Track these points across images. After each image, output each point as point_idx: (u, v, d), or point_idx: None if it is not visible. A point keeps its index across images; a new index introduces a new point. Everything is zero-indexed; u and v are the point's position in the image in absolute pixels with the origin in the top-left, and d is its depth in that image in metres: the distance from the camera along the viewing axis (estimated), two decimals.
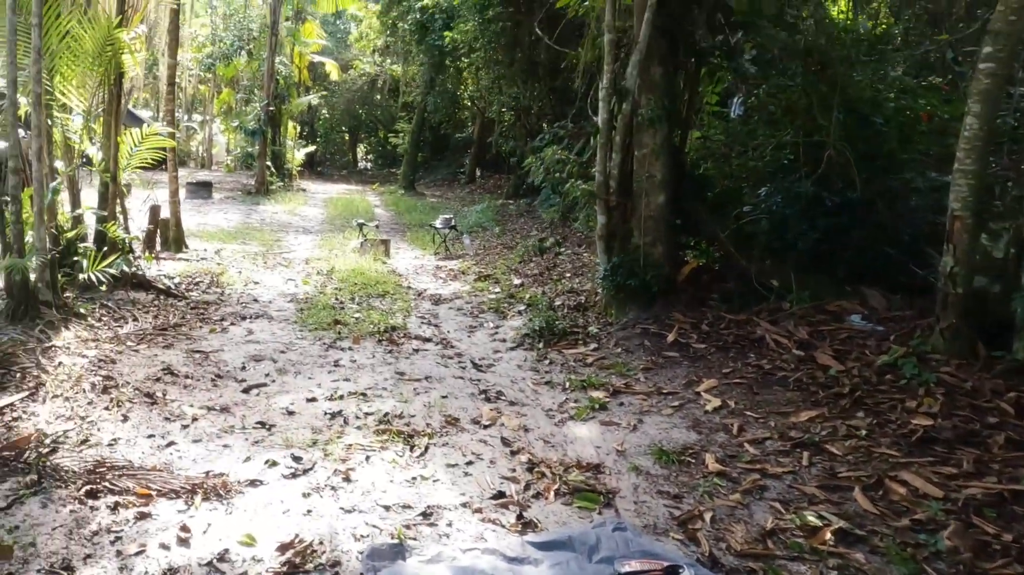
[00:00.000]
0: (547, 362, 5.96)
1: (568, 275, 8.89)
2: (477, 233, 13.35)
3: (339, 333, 6.61)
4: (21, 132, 7.15)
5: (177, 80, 12.72)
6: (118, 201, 8.02)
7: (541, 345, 6.31)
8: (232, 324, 6.84)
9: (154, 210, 10.02)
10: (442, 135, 29.24)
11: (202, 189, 19.03)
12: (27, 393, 4.70)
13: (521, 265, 9.74)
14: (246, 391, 5.11)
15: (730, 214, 7.10)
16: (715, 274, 7.18)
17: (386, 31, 24.92)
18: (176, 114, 12.98)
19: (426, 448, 4.18)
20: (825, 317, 6.08)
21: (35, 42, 6.04)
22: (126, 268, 7.38)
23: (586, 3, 7.62)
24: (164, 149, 8.82)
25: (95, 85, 7.49)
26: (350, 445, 4.15)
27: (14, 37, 5.81)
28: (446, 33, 17.40)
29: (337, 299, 7.89)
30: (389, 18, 23.30)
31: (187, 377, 5.31)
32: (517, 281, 8.77)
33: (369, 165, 38.66)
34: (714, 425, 4.62)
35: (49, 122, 6.62)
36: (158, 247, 10.12)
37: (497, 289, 8.47)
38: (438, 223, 11.63)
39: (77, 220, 7.36)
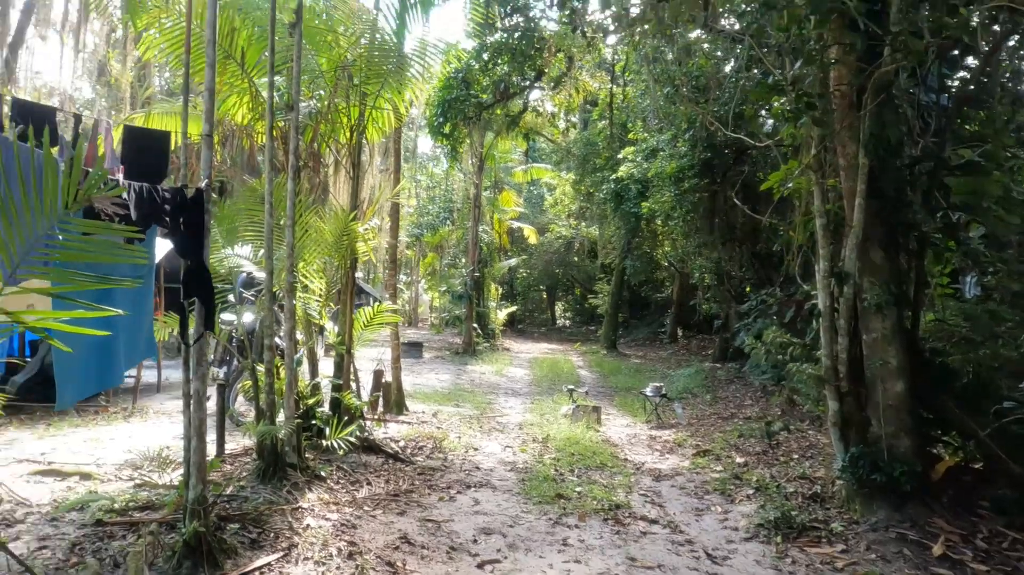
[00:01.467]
0: (789, 560, 5.49)
1: (796, 457, 8.33)
2: (687, 399, 13.05)
3: (563, 508, 6.58)
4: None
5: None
6: (351, 370, 8.80)
7: (779, 539, 5.86)
8: (458, 493, 7.01)
9: (378, 375, 10.77)
10: (641, 295, 29.56)
11: (414, 349, 20.42)
12: (281, 554, 5.01)
13: (741, 440, 9.29)
14: (480, 566, 5.15)
15: (986, 408, 6.32)
16: (979, 475, 6.40)
17: (580, 197, 26.21)
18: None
19: None
20: None
21: (289, 239, 6.85)
22: (359, 433, 8.01)
23: (790, 185, 7.45)
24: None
25: (333, 269, 8.46)
26: None
27: (271, 235, 6.64)
28: (643, 204, 17.94)
29: (556, 470, 7.91)
30: (583, 187, 24.56)
31: (423, 547, 5.45)
32: (740, 460, 8.33)
33: (567, 322, 39.55)
34: None
35: (294, 300, 7.43)
36: (380, 408, 10.77)
37: (719, 467, 8.09)
38: (648, 391, 11.51)
39: (315, 388, 8.04)
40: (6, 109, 5.59)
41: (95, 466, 7.20)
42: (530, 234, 30.43)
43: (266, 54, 7.07)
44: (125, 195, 4.98)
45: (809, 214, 6.99)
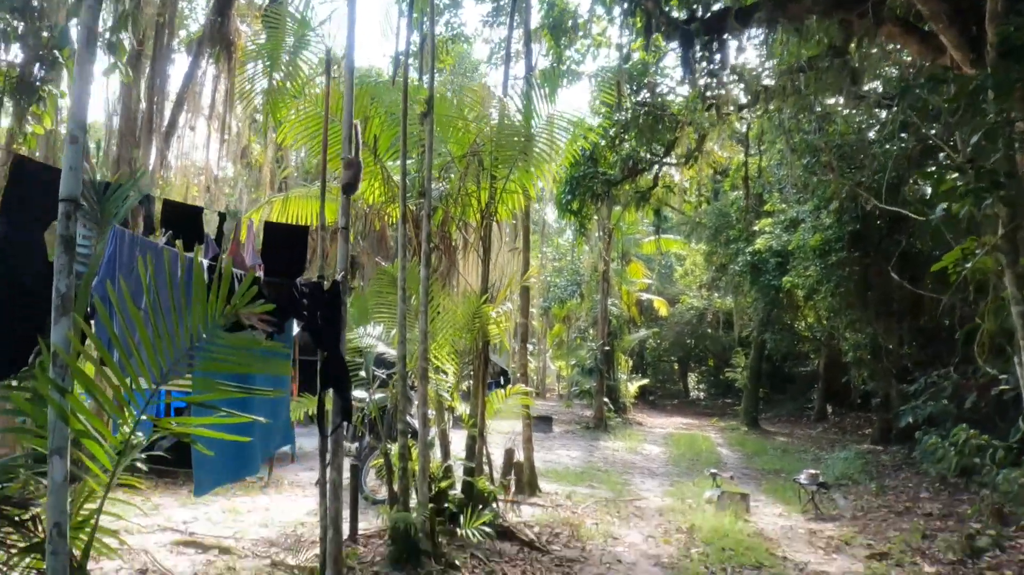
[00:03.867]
0: None
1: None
2: (847, 487, 11.80)
3: None
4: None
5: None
6: (483, 452, 8.52)
7: None
8: None
9: (509, 454, 10.35)
10: (780, 368, 27.89)
11: (543, 423, 19.99)
12: None
13: (926, 544, 8.06)
14: None
15: None
16: None
17: (712, 269, 25.26)
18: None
19: None
20: None
21: (422, 325, 6.81)
22: (492, 518, 7.61)
23: (968, 266, 6.34)
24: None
25: (464, 351, 8.33)
26: None
27: (403, 321, 6.63)
28: (785, 279, 16.91)
29: (707, 567, 7.17)
30: (715, 259, 23.62)
31: None
32: (929, 569, 7.14)
33: (701, 395, 37.98)
34: None
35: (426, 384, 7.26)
36: (512, 489, 10.32)
37: None
38: (803, 478, 10.40)
39: (448, 471, 7.87)
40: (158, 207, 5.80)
41: (234, 540, 7.36)
42: (660, 306, 29.64)
43: (397, 139, 7.15)
44: (266, 292, 5.00)
45: (998, 299, 6.04)
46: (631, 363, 30.28)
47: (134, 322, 3.46)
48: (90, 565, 6.15)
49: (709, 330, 33.11)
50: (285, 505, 9.20)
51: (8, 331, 3.87)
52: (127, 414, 3.56)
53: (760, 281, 19.57)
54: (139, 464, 9.28)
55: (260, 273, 5.92)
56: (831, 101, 12.53)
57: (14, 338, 3.86)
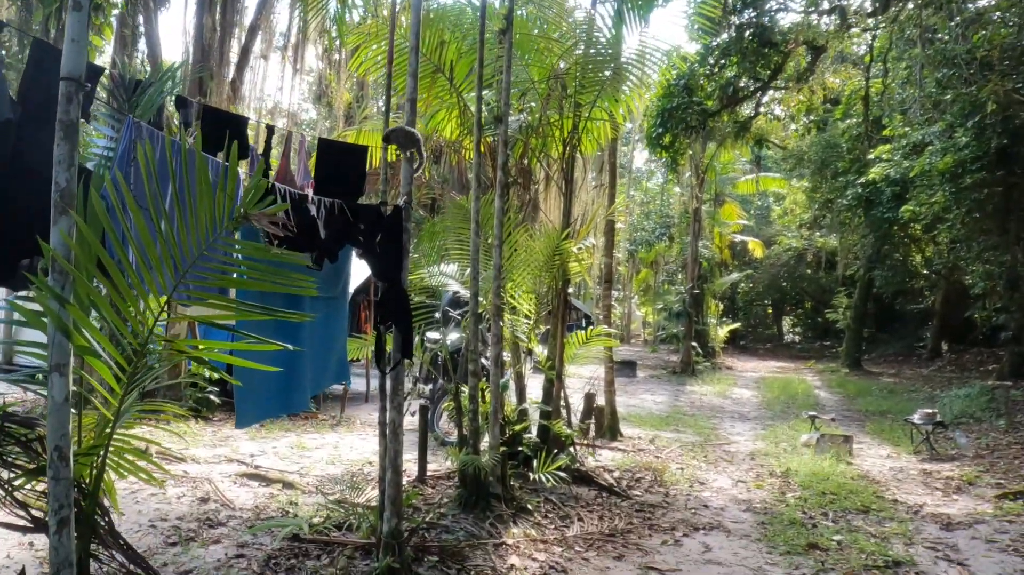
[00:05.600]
0: None
1: None
2: (968, 426, 10.76)
3: (821, 563, 5.20)
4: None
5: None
6: (561, 395, 8.11)
7: None
8: (685, 535, 5.87)
9: (589, 398, 9.89)
10: (888, 307, 26.28)
11: (627, 368, 19.47)
12: None
13: None
14: None
15: None
16: None
17: (814, 206, 23.67)
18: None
19: None
20: None
21: (496, 261, 6.49)
22: (568, 463, 7.24)
23: None
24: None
25: (543, 291, 7.93)
26: None
27: (478, 256, 6.24)
28: (906, 207, 15.38)
29: (804, 512, 6.48)
30: (819, 195, 22.07)
31: None
32: None
33: (796, 338, 36.44)
34: None
35: (500, 323, 6.86)
36: (592, 433, 9.85)
37: None
38: (916, 418, 9.45)
39: (523, 414, 7.55)
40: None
41: (298, 475, 7.29)
42: (755, 247, 28.24)
43: (475, 67, 6.57)
44: (314, 211, 4.54)
45: None
46: (721, 307, 29.16)
47: (134, 220, 3.01)
48: (152, 490, 6.09)
49: (808, 271, 31.56)
50: (355, 443, 9.05)
51: (25, 223, 3.54)
52: (133, 329, 3.18)
53: (872, 214, 18.14)
54: (211, 397, 9.51)
55: (309, 191, 5.51)
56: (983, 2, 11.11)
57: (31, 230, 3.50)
